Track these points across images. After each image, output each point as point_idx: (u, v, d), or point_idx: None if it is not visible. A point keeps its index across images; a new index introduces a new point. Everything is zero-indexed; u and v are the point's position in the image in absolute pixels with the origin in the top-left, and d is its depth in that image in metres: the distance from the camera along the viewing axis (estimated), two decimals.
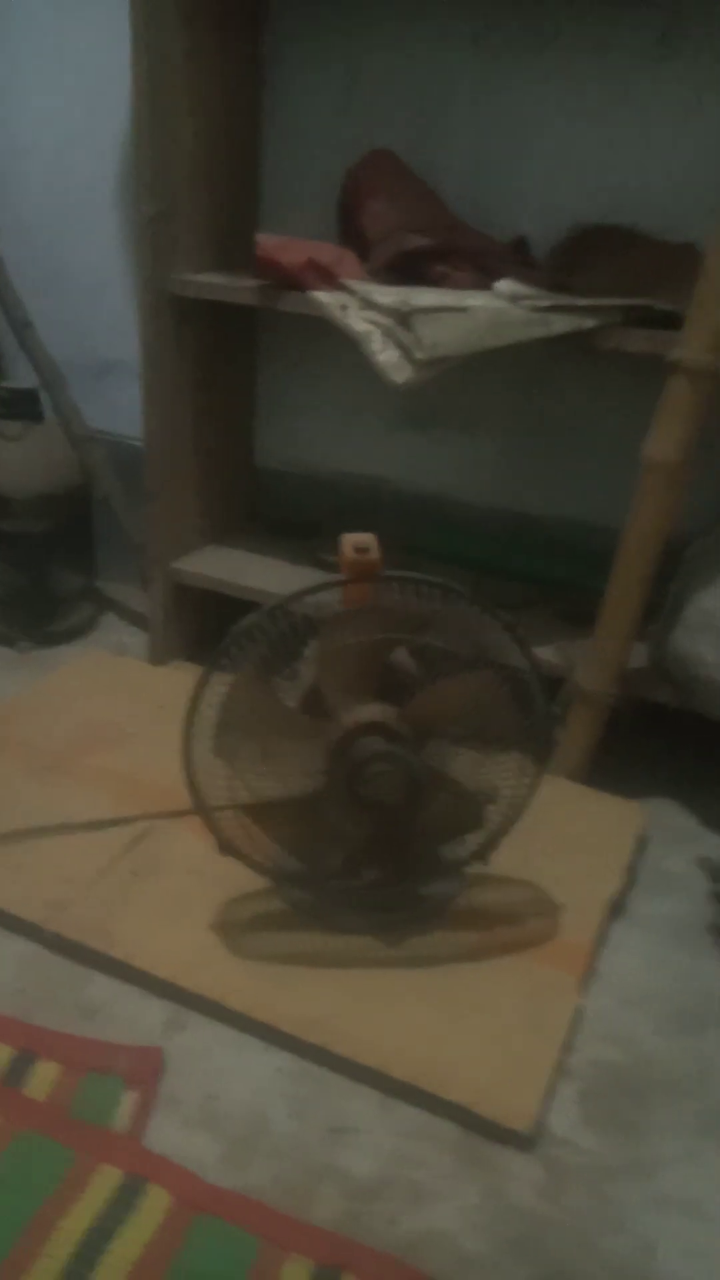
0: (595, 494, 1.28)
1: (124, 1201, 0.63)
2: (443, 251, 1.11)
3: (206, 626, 1.39)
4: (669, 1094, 0.76)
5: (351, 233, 1.17)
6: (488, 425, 1.32)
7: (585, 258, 1.13)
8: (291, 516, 1.44)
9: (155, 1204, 0.63)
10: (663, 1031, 0.82)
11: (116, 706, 1.22)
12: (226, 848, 0.82)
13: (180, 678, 1.31)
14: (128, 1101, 0.71)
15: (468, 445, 1.34)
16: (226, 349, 1.32)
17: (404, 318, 0.93)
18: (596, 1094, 0.76)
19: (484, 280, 1.07)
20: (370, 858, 0.85)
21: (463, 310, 0.94)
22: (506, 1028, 0.78)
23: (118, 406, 1.49)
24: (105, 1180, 0.65)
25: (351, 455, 1.41)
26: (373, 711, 0.77)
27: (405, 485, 1.39)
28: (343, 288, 1.05)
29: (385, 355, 0.93)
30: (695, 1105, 0.75)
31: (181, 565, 1.31)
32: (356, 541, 0.73)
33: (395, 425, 1.37)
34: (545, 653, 1.15)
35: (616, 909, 0.95)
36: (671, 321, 0.96)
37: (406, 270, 1.10)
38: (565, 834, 1.02)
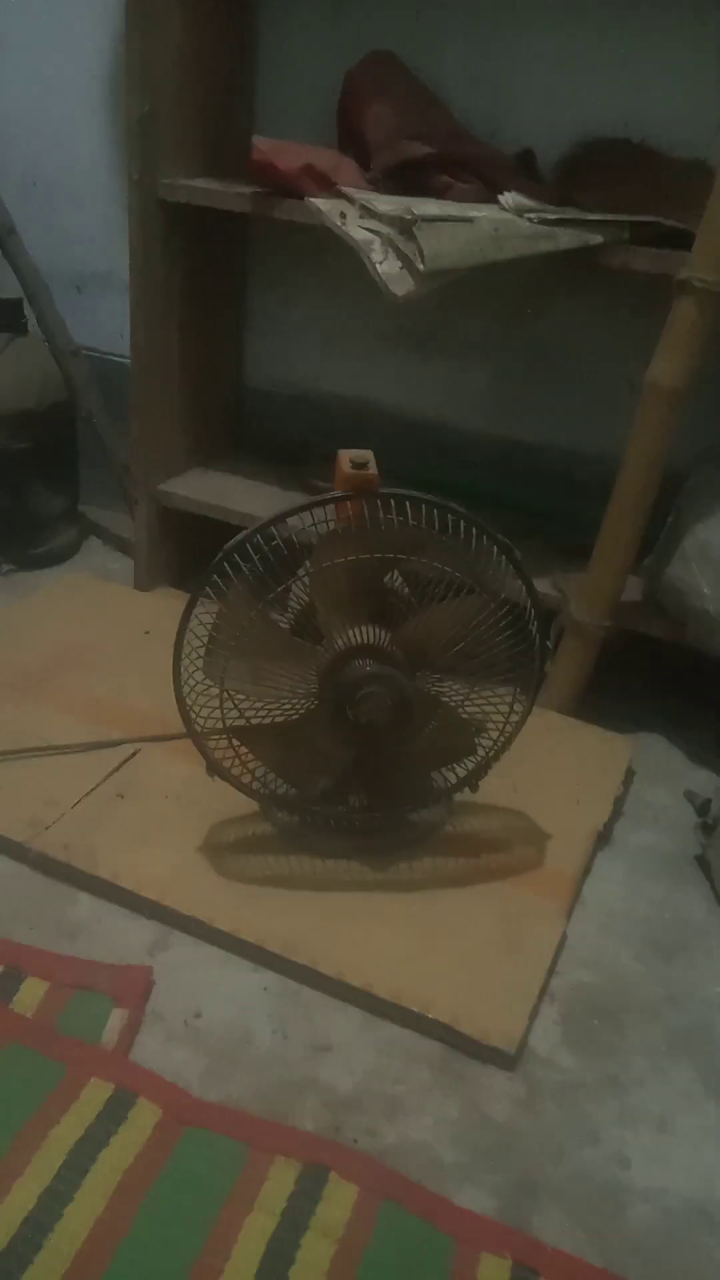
0: (590, 423, 1.25)
1: (114, 1114, 0.64)
2: (446, 161, 1.07)
3: (193, 552, 1.36)
4: (642, 1016, 0.77)
5: (351, 138, 1.12)
6: (481, 349, 1.29)
7: (592, 173, 1.09)
8: (279, 439, 1.40)
9: (145, 1117, 0.64)
10: (640, 957, 0.83)
11: (100, 630, 1.20)
12: (214, 769, 0.82)
13: (166, 603, 1.29)
14: (115, 1019, 0.71)
15: (460, 369, 1.31)
16: (217, 261, 1.27)
17: (406, 226, 0.90)
18: (576, 1015, 0.77)
19: (488, 193, 1.03)
20: (358, 782, 0.85)
21: (467, 221, 0.91)
22: (492, 952, 0.79)
23: (99, 321, 1.44)
24: (95, 1093, 0.65)
25: (342, 376, 1.37)
26: (365, 634, 0.76)
27: (396, 409, 1.36)
28: (341, 195, 1.01)
29: (386, 266, 0.90)
30: (665, 1027, 0.76)
31: (168, 487, 1.28)
32: (354, 456, 0.71)
33: (388, 347, 1.33)
34: (538, 584, 1.13)
35: (602, 839, 0.96)
36: (679, 241, 0.93)
37: (408, 179, 1.05)
38: (553, 765, 1.02)
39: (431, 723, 0.80)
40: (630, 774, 1.06)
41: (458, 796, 0.93)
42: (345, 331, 1.35)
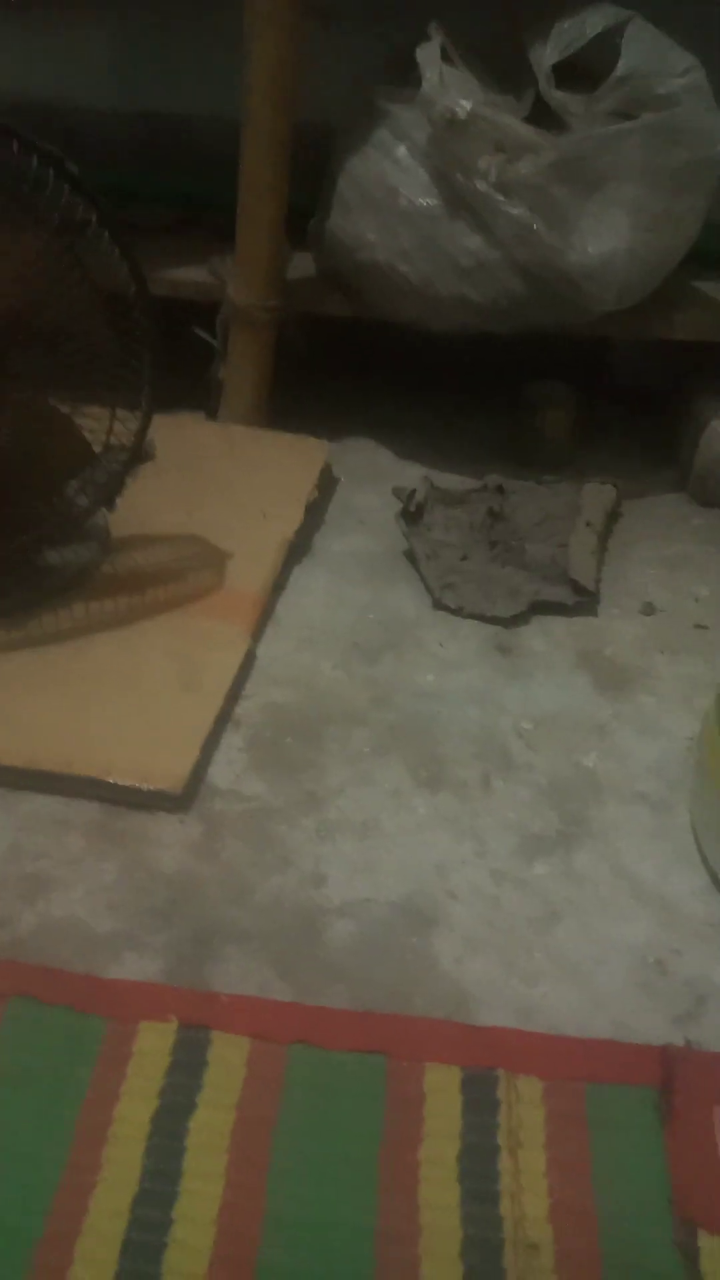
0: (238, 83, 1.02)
1: None
2: None
3: None
4: (344, 724, 0.67)
5: None
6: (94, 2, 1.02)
7: None
8: None
9: None
10: (342, 664, 0.72)
11: None
12: None
13: None
14: None
15: (77, 31, 1.03)
16: None
17: None
18: (267, 739, 0.65)
19: None
20: None
21: None
22: (160, 691, 0.66)
23: None
24: None
25: None
26: None
27: (4, 95, 1.07)
28: None
29: None
30: (368, 730, 0.66)
31: None
32: None
33: None
34: (195, 273, 0.94)
35: (302, 550, 0.83)
36: None
37: None
38: (236, 480, 0.87)
39: (13, 423, 0.61)
40: (334, 481, 0.93)
41: (115, 531, 0.77)
42: None
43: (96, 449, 0.67)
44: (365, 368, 1.06)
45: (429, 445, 0.99)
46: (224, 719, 0.66)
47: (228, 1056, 0.47)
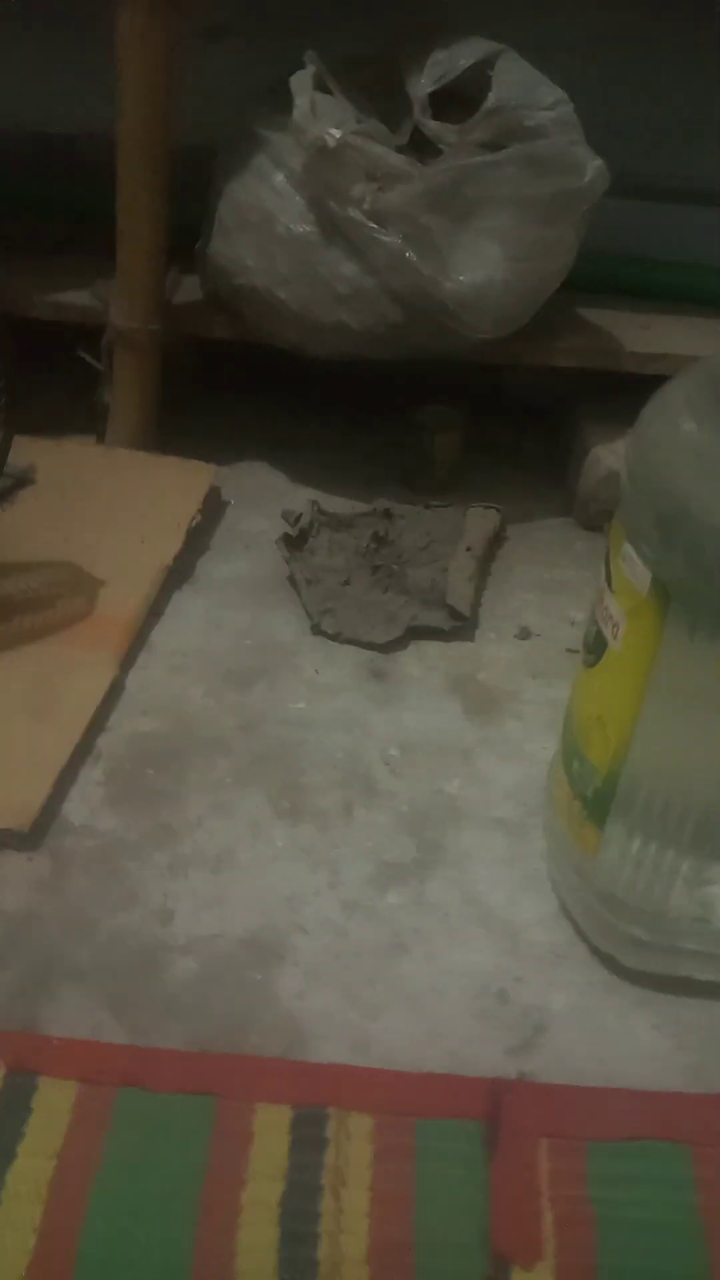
0: None
1: None
2: None
3: None
4: (208, 754, 0.66)
5: None
6: None
7: None
8: None
9: None
10: (213, 692, 0.71)
11: None
12: None
13: None
14: None
15: None
16: None
17: None
18: (127, 771, 0.64)
19: None
20: None
21: None
22: (12, 725, 0.65)
23: None
24: None
25: None
26: None
27: None
28: None
29: None
30: (233, 760, 0.66)
31: None
32: None
33: None
34: (78, 297, 0.93)
35: (184, 575, 0.82)
36: None
37: None
38: (117, 505, 0.86)
39: None
40: (221, 504, 0.92)
41: None
42: None
43: None
44: (260, 387, 1.06)
45: (323, 466, 0.99)
46: (83, 751, 0.65)
47: (53, 1102, 0.46)
